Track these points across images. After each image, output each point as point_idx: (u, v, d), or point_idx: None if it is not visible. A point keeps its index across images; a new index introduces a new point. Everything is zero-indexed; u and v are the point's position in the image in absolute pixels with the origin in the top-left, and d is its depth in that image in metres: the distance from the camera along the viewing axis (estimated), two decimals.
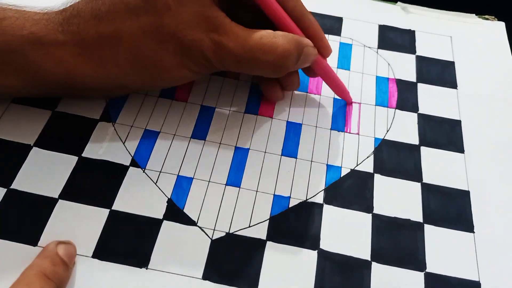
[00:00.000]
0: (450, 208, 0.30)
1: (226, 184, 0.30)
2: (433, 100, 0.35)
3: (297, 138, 0.32)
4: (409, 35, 0.39)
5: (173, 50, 0.27)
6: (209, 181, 0.30)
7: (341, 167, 0.31)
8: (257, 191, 0.30)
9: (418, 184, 0.31)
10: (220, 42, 0.26)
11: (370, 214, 0.29)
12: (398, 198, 0.30)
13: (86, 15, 0.26)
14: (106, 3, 0.26)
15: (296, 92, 0.35)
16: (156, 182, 0.29)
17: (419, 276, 0.27)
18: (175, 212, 0.28)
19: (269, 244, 0.28)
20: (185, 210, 0.28)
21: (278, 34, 0.27)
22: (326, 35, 0.38)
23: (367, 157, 0.32)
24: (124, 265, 0.26)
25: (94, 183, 0.29)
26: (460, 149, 0.33)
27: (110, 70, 0.27)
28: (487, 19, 0.41)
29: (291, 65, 0.28)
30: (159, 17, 0.26)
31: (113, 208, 0.28)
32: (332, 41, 0.38)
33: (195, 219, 0.28)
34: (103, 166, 0.30)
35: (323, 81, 0.34)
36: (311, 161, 0.31)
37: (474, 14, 0.41)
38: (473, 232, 0.29)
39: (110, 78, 0.28)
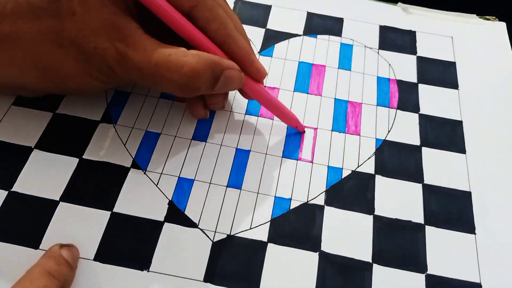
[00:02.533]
0: (452, 209, 0.30)
1: (227, 186, 0.30)
2: (434, 100, 0.35)
3: (298, 140, 0.32)
4: (410, 35, 0.39)
5: (74, 56, 0.26)
6: (210, 183, 0.30)
7: (342, 168, 0.31)
8: (258, 193, 0.30)
9: (419, 185, 0.31)
10: (125, 53, 0.25)
11: (371, 216, 0.29)
12: (399, 200, 0.30)
13: None
14: (12, 1, 0.26)
15: (297, 93, 0.35)
16: (157, 184, 0.29)
17: (420, 278, 0.27)
18: (176, 214, 0.28)
19: (270, 246, 0.28)
20: (186, 212, 0.28)
21: (190, 53, 0.26)
22: (327, 36, 0.38)
23: (368, 158, 0.32)
24: (125, 268, 0.26)
25: (95, 185, 0.29)
26: (462, 150, 0.32)
27: (9, 69, 0.27)
28: (488, 19, 0.41)
29: (204, 87, 0.27)
30: (61, 21, 0.25)
31: (114, 210, 0.28)
32: (333, 41, 0.38)
33: (196, 221, 0.28)
34: (104, 168, 0.30)
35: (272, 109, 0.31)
36: (312, 162, 0.31)
37: (475, 15, 0.41)
38: (475, 234, 0.29)
39: (9, 78, 0.28)
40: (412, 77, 0.37)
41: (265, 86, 0.33)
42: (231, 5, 0.40)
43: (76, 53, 0.26)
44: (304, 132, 0.32)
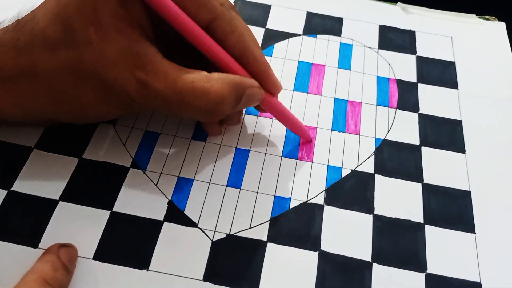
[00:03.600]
0: (451, 208, 0.30)
1: (226, 186, 0.30)
2: (433, 100, 0.35)
3: (298, 139, 0.32)
4: (410, 35, 0.39)
5: (94, 87, 0.25)
6: (209, 183, 0.30)
7: (341, 167, 0.31)
8: (257, 192, 0.30)
9: (419, 185, 0.31)
10: (146, 82, 0.24)
11: (371, 215, 0.29)
12: (399, 199, 0.30)
13: (6, 45, 0.25)
14: (26, 33, 0.25)
15: (297, 92, 0.35)
16: (157, 183, 0.29)
17: (420, 277, 0.27)
18: (176, 214, 0.28)
19: (269, 245, 0.28)
20: (185, 212, 0.28)
21: (213, 78, 0.25)
22: (326, 35, 0.38)
23: (368, 158, 0.32)
24: (125, 267, 0.26)
25: (95, 185, 0.29)
26: (461, 149, 0.32)
27: (28, 103, 0.26)
28: (487, 19, 0.41)
29: (228, 109, 0.26)
30: (78, 52, 0.24)
31: (113, 210, 0.28)
32: (333, 41, 0.38)
33: (195, 220, 0.28)
34: (103, 167, 0.30)
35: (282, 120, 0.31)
36: (312, 162, 0.31)
37: (474, 15, 0.41)
38: (474, 233, 0.29)
39: (30, 112, 0.27)
40: (412, 77, 0.37)
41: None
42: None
43: (96, 84, 0.25)
44: (311, 141, 0.32)
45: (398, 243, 0.28)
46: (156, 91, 0.24)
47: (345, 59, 0.37)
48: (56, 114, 0.27)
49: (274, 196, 0.29)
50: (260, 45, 0.37)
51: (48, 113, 0.27)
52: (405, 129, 0.33)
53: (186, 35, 0.26)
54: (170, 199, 0.29)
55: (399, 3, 0.42)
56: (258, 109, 0.31)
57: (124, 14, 0.24)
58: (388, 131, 0.33)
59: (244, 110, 0.33)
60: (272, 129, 0.33)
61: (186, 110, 0.25)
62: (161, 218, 0.28)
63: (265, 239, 0.28)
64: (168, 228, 0.28)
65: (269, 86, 0.29)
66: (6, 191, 0.28)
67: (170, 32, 0.26)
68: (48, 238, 0.27)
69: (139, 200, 0.29)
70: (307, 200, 0.29)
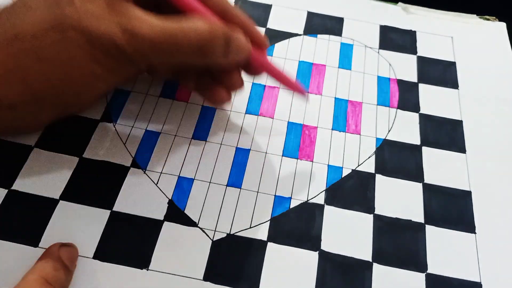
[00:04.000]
0: (452, 208, 0.30)
1: (227, 185, 0.30)
2: (434, 100, 0.35)
3: (298, 139, 0.32)
4: (410, 35, 0.39)
5: (79, 42, 0.25)
6: (210, 182, 0.30)
7: (342, 167, 0.31)
8: (258, 192, 0.29)
9: (420, 185, 0.31)
10: (133, 29, 0.24)
11: (372, 215, 0.29)
12: (399, 199, 0.30)
13: None
14: (10, 5, 0.25)
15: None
16: (157, 183, 0.29)
17: (420, 277, 0.27)
18: (176, 213, 0.28)
19: (270, 245, 0.27)
20: (186, 211, 0.28)
21: (198, 20, 0.26)
22: (327, 35, 0.38)
23: (369, 157, 0.32)
24: (125, 266, 0.26)
25: (95, 184, 0.29)
26: (462, 149, 0.32)
27: (21, 76, 0.25)
28: (488, 19, 0.41)
29: (219, 51, 0.26)
30: (61, 9, 0.24)
31: (114, 209, 0.28)
32: (333, 41, 0.38)
33: (196, 220, 0.28)
34: (104, 167, 0.30)
35: (279, 79, 0.31)
36: (312, 161, 0.31)
37: (475, 15, 0.41)
38: (475, 233, 0.29)
39: (28, 93, 0.26)
40: (412, 77, 0.37)
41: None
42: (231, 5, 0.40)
43: (81, 38, 0.25)
44: (306, 94, 0.32)
45: (399, 243, 0.28)
46: (144, 35, 0.24)
47: (345, 59, 0.37)
48: (40, 83, 0.26)
49: (275, 195, 0.29)
50: None
51: (31, 82, 0.26)
52: (405, 129, 0.33)
53: None
54: (170, 198, 0.29)
55: (400, 3, 0.42)
56: (247, 71, 0.30)
57: None
58: (389, 131, 0.33)
59: (246, 107, 0.33)
60: (273, 128, 0.33)
61: (179, 50, 0.25)
62: (161, 218, 0.28)
63: (265, 238, 0.28)
64: (168, 228, 0.28)
65: (256, 40, 0.29)
66: (7, 190, 0.28)
67: None
68: (49, 237, 0.27)
69: (139, 199, 0.29)
70: (308, 200, 0.29)
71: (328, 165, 0.31)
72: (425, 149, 0.32)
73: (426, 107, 0.35)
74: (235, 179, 0.30)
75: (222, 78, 0.30)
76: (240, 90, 0.31)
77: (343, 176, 0.31)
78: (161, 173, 0.30)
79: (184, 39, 0.25)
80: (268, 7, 0.40)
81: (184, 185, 0.29)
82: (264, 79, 0.35)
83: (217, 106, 0.32)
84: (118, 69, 0.27)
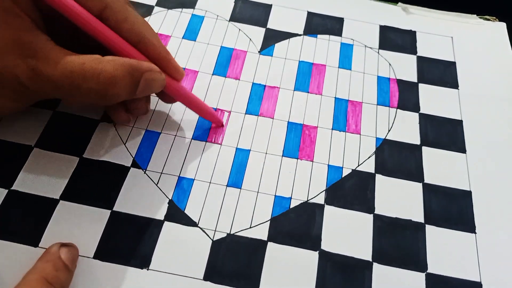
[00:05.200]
0: (452, 208, 0.30)
1: (227, 185, 0.30)
2: (434, 100, 0.35)
3: (298, 139, 0.32)
4: (410, 35, 0.39)
5: None
6: (210, 182, 0.30)
7: (342, 167, 0.31)
8: (258, 192, 0.30)
9: (420, 184, 0.31)
10: (36, 67, 0.24)
11: (372, 215, 0.29)
12: (399, 199, 0.30)
13: None
14: None
15: (297, 92, 0.35)
16: (157, 183, 0.29)
17: (420, 277, 0.27)
18: (176, 213, 0.28)
19: (270, 245, 0.28)
20: (186, 211, 0.28)
21: (105, 60, 0.25)
22: (327, 35, 0.38)
23: (369, 157, 0.32)
24: (125, 266, 0.26)
25: (95, 184, 0.29)
26: (462, 149, 0.32)
27: None
28: (488, 19, 0.41)
29: (123, 93, 0.26)
30: None
31: (114, 209, 0.28)
32: (333, 41, 0.38)
33: (196, 220, 0.28)
34: (104, 167, 0.30)
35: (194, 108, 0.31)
36: (312, 161, 0.31)
37: (475, 15, 0.41)
38: (475, 233, 0.29)
39: None
40: (412, 77, 0.37)
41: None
42: (231, 4, 0.40)
43: None
44: (223, 126, 0.32)
45: (399, 242, 0.28)
46: (46, 76, 0.24)
47: (345, 59, 0.37)
48: None
49: (275, 195, 0.29)
50: (260, 45, 0.37)
51: None
52: (405, 129, 0.33)
53: (78, 22, 0.25)
54: (170, 198, 0.29)
55: (399, 3, 0.42)
56: (165, 99, 0.31)
57: (10, 6, 0.24)
58: (389, 131, 0.33)
59: (246, 107, 0.33)
60: (273, 128, 0.33)
61: (78, 92, 0.25)
62: (162, 218, 0.28)
63: (265, 238, 0.28)
64: (169, 228, 0.28)
65: (171, 71, 0.29)
66: (7, 190, 0.28)
67: (67, 27, 0.26)
68: (49, 237, 0.27)
69: (139, 199, 0.29)
70: (308, 200, 0.29)
71: (328, 165, 0.31)
72: (425, 149, 0.32)
73: (426, 107, 0.35)
74: (235, 179, 0.30)
75: (127, 103, 0.30)
76: (144, 114, 0.31)
77: (343, 176, 0.31)
78: (161, 173, 0.30)
79: (83, 83, 0.25)
80: (268, 7, 0.40)
81: (184, 185, 0.29)
82: (265, 79, 0.35)
83: (117, 123, 0.32)
84: (26, 100, 0.27)
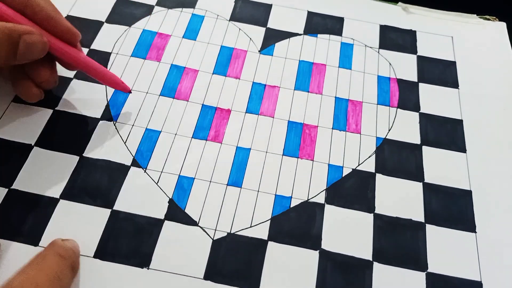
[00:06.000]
0: (452, 208, 0.30)
1: (227, 184, 0.30)
2: (434, 99, 0.35)
3: (298, 138, 0.32)
4: (410, 35, 0.39)
5: None
6: (210, 181, 0.30)
7: (342, 166, 0.31)
8: (258, 191, 0.29)
9: (420, 184, 0.31)
10: None
11: (372, 214, 0.29)
12: (399, 198, 0.30)
13: None
14: None
15: (297, 91, 0.35)
16: (158, 182, 0.29)
17: (421, 276, 0.27)
18: (177, 212, 0.28)
19: (270, 244, 0.27)
20: (186, 210, 0.28)
21: None
22: (327, 35, 0.38)
23: (369, 157, 0.32)
24: (125, 265, 0.26)
25: (95, 183, 0.29)
26: (462, 149, 0.32)
27: None
28: (488, 19, 0.41)
29: (3, 55, 0.25)
30: None
31: (114, 208, 0.28)
32: (334, 41, 0.38)
33: (196, 219, 0.28)
34: (104, 166, 0.30)
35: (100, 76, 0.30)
36: (313, 160, 0.31)
37: (475, 15, 0.41)
38: (475, 232, 0.29)
39: None
40: (413, 76, 0.37)
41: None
42: (232, 4, 0.40)
43: None
44: (130, 92, 0.32)
45: (399, 242, 0.28)
46: None
47: (346, 58, 0.37)
48: None
49: (275, 195, 0.29)
50: (260, 44, 0.37)
51: None
52: (406, 128, 0.33)
53: None
54: (170, 197, 0.29)
55: (400, 3, 0.42)
56: (63, 64, 0.30)
57: None
58: (389, 130, 0.33)
59: (246, 106, 0.33)
60: (273, 128, 0.33)
61: None
62: (162, 217, 0.28)
63: (265, 237, 0.28)
64: (169, 227, 0.28)
65: (62, 32, 0.28)
66: (7, 189, 0.28)
67: None
68: (49, 236, 0.27)
69: (139, 198, 0.29)
70: (308, 199, 0.29)
71: (329, 164, 0.31)
72: (425, 149, 0.32)
73: (426, 107, 0.35)
74: (236, 178, 0.30)
75: (30, 74, 0.29)
76: (53, 85, 0.30)
77: (343, 175, 0.31)
78: (161, 172, 0.30)
79: None
80: (268, 7, 0.40)
81: (184, 184, 0.29)
82: (265, 79, 0.35)
83: (30, 101, 0.31)
84: None
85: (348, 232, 0.28)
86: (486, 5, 0.42)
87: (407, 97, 0.35)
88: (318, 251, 0.27)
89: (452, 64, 0.38)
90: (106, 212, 0.28)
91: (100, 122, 0.32)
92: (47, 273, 0.23)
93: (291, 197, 0.29)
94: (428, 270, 0.27)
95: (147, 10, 0.38)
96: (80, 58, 0.29)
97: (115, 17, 0.38)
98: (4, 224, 0.27)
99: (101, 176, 0.29)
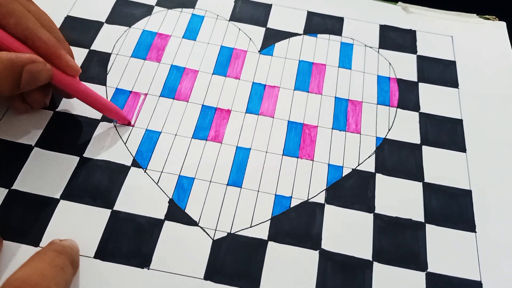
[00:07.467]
0: (452, 207, 0.30)
1: (227, 184, 0.30)
2: (434, 99, 0.35)
3: (298, 138, 0.32)
4: (410, 35, 0.39)
5: None
6: (210, 181, 0.30)
7: (342, 166, 0.31)
8: (258, 191, 0.30)
9: (420, 184, 0.31)
10: None
11: (372, 214, 0.29)
12: (399, 198, 0.30)
13: None
14: None
15: (297, 91, 0.35)
16: (158, 182, 0.29)
17: (421, 276, 0.27)
18: (177, 213, 0.28)
19: (270, 244, 0.28)
20: (186, 211, 0.28)
21: None
22: (327, 35, 0.38)
23: (369, 157, 0.32)
24: (125, 266, 0.26)
25: (96, 184, 0.29)
26: (462, 148, 0.32)
27: None
28: (488, 19, 0.41)
29: (7, 88, 0.25)
30: None
31: (114, 208, 0.28)
32: (333, 41, 0.38)
33: (196, 219, 0.28)
34: (104, 166, 0.30)
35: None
36: (313, 160, 0.31)
37: (475, 14, 0.41)
38: (475, 232, 0.29)
39: None
40: (412, 76, 0.37)
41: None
42: (231, 4, 0.40)
43: None
44: (131, 124, 0.32)
45: (399, 242, 0.28)
46: None
47: (345, 58, 0.37)
48: None
49: (275, 195, 0.29)
50: (260, 44, 0.37)
51: None
52: (405, 128, 0.33)
53: None
54: (171, 197, 0.29)
55: (399, 3, 0.42)
56: (63, 94, 0.30)
57: None
58: (389, 130, 0.33)
59: (246, 106, 0.33)
60: (273, 128, 0.33)
61: None
62: (162, 217, 0.28)
63: (266, 237, 0.28)
64: (169, 227, 0.28)
65: (63, 67, 0.28)
66: (7, 190, 0.28)
67: None
68: (49, 237, 0.27)
69: (140, 198, 0.29)
70: (308, 199, 0.29)
71: (329, 164, 0.31)
72: (425, 148, 0.32)
73: (426, 106, 0.35)
74: (236, 178, 0.30)
75: (23, 95, 0.29)
76: (43, 106, 0.31)
77: (343, 175, 0.31)
78: (161, 172, 0.30)
79: None
80: (268, 7, 0.40)
81: (184, 184, 0.29)
82: (265, 79, 0.35)
83: (17, 113, 0.31)
84: None
85: (348, 232, 0.28)
86: (486, 5, 0.42)
87: (407, 97, 0.35)
88: (318, 251, 0.27)
89: (452, 63, 0.38)
90: (107, 212, 0.28)
91: (101, 122, 0.32)
92: (51, 265, 0.23)
93: (291, 197, 0.29)
94: (428, 270, 0.27)
95: (147, 10, 0.39)
96: (81, 89, 0.29)
97: (115, 18, 0.38)
98: (5, 225, 0.27)
99: (101, 177, 0.29)
